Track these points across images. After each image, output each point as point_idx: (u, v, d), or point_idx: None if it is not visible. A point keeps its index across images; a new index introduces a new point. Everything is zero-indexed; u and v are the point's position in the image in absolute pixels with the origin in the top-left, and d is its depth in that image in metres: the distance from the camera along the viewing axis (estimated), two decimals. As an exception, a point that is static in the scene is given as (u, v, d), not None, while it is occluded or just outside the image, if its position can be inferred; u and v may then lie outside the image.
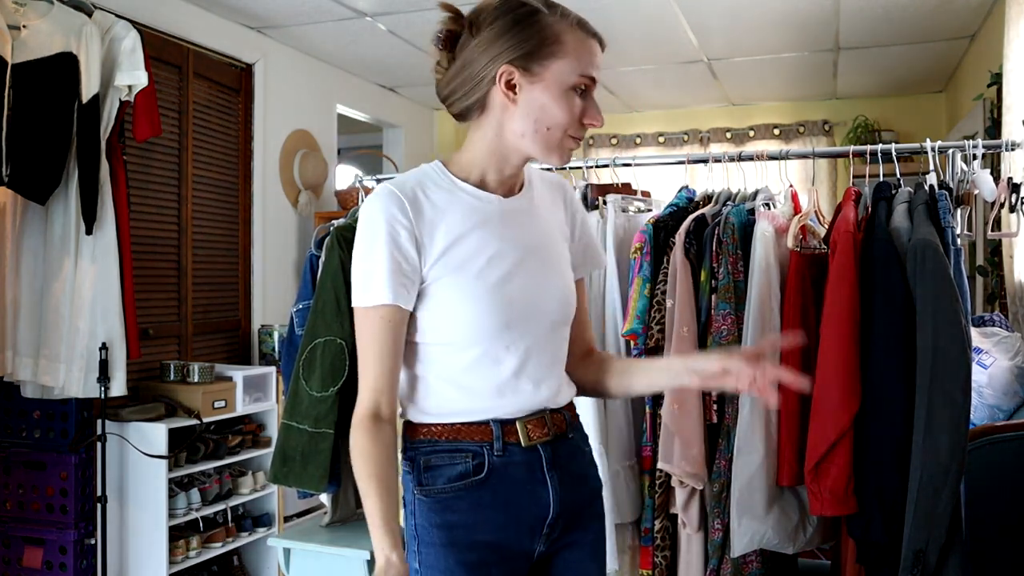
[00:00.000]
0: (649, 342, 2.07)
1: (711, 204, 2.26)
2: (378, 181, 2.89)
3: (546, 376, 1.33)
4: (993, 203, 2.11)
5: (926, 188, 2.00)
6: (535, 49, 1.25)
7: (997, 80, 3.34)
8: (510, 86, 1.26)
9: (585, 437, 1.43)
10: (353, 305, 1.26)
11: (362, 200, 2.79)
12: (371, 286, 1.23)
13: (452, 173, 1.32)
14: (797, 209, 2.24)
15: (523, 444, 1.29)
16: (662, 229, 2.15)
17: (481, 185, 1.32)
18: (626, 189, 2.49)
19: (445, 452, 1.27)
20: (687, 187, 2.37)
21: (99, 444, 2.93)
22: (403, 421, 1.31)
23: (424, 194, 1.28)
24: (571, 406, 1.40)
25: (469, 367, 1.28)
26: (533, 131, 1.27)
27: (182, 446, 3.13)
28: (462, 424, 1.28)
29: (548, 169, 1.82)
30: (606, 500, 2.02)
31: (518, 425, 1.29)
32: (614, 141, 5.96)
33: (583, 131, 1.31)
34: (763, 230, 2.01)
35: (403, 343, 1.27)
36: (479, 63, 1.26)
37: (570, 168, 2.49)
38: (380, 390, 1.24)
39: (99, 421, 2.92)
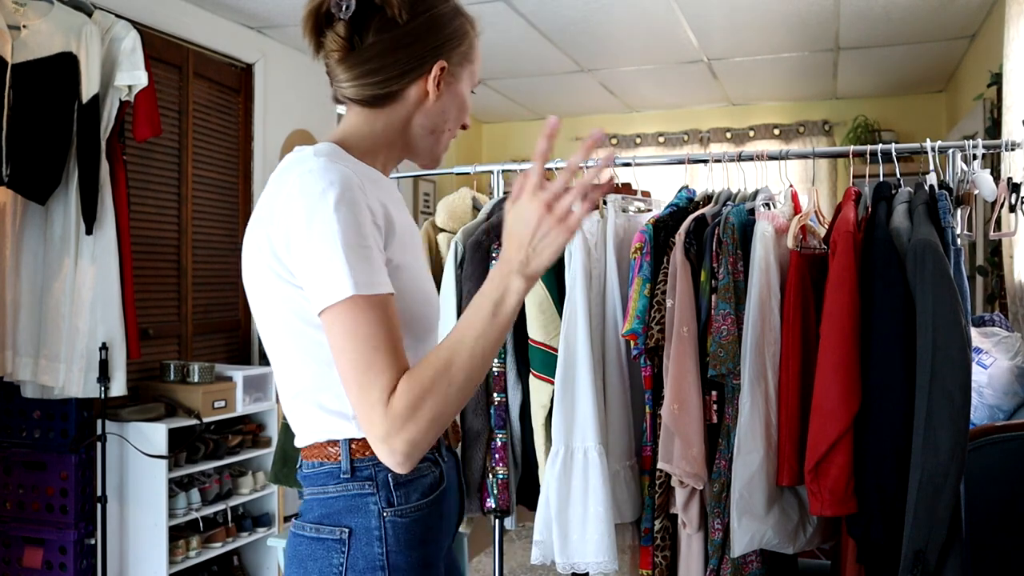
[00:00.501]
0: (649, 342, 2.07)
1: (711, 204, 2.26)
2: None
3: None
4: (993, 203, 2.11)
5: (926, 188, 1.99)
6: (463, 50, 1.22)
7: (997, 80, 3.34)
8: (437, 82, 1.19)
9: None
10: (338, 298, 1.00)
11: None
12: (375, 271, 1.03)
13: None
14: (797, 209, 2.24)
15: (452, 445, 1.25)
16: (662, 229, 2.15)
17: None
18: (626, 189, 2.49)
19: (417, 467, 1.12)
20: (687, 187, 2.37)
21: (99, 444, 2.93)
22: (342, 440, 1.10)
23: (354, 170, 1.10)
24: None
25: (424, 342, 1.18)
26: (433, 129, 1.23)
27: (182, 446, 3.13)
28: None
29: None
30: (607, 500, 2.03)
31: (448, 427, 1.21)
32: (614, 141, 5.97)
33: (456, 134, 1.30)
34: (763, 230, 2.01)
35: None
36: (409, 53, 1.15)
37: (570, 168, 2.49)
38: (401, 368, 1.02)
39: (99, 421, 2.92)
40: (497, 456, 2.22)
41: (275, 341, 1.12)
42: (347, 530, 1.10)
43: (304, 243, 1.02)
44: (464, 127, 1.29)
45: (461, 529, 2.04)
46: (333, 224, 1.01)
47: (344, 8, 1.13)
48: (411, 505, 1.12)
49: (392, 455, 1.00)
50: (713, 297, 2.03)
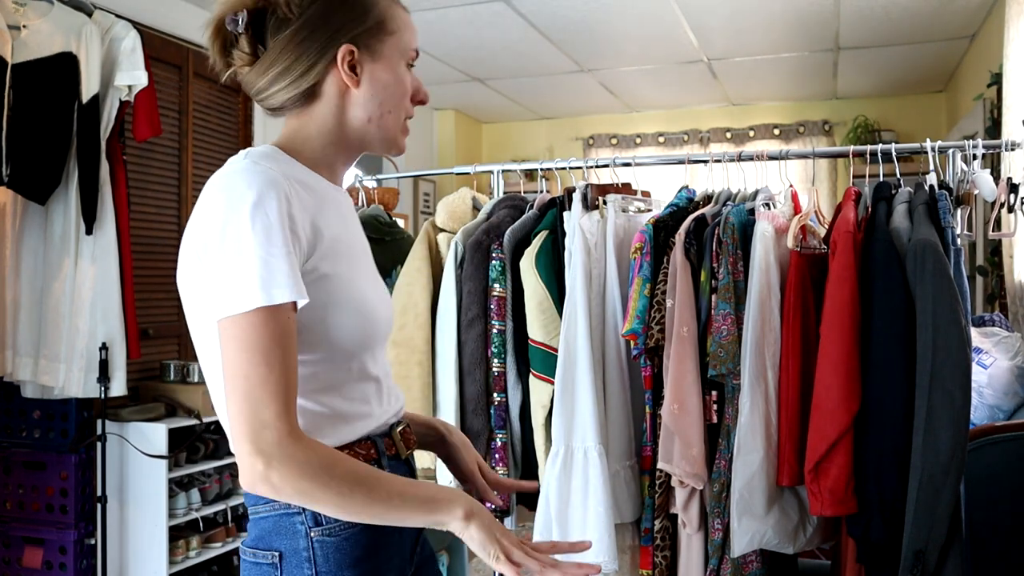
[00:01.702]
0: (649, 342, 2.07)
1: (711, 204, 2.26)
2: (378, 182, 2.89)
3: (392, 381, 1.23)
4: (993, 203, 2.11)
5: (926, 188, 1.99)
6: (373, 25, 1.15)
7: (997, 80, 3.34)
8: (352, 67, 1.13)
9: None
10: (241, 309, 0.96)
11: (362, 201, 2.78)
12: (274, 279, 0.97)
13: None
14: (797, 209, 2.24)
15: (401, 456, 1.18)
16: (662, 229, 2.15)
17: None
18: (626, 189, 2.49)
19: None
20: (687, 187, 2.37)
21: (99, 444, 2.93)
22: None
23: (285, 174, 1.06)
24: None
25: (344, 381, 1.10)
26: (379, 116, 1.16)
27: (182, 446, 3.13)
28: (345, 445, 1.09)
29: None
30: (607, 500, 2.03)
31: (394, 435, 1.17)
32: (614, 141, 5.97)
33: (413, 111, 1.22)
34: (763, 230, 2.01)
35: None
36: (308, 46, 1.11)
37: (570, 168, 2.50)
38: (291, 396, 0.98)
39: (99, 421, 2.92)
40: (497, 456, 2.22)
41: (201, 350, 1.09)
42: (277, 554, 1.06)
43: (216, 248, 0.99)
44: (421, 102, 1.22)
45: None
46: (247, 230, 0.97)
47: (238, 23, 1.11)
48: (339, 523, 1.06)
49: (264, 481, 0.96)
50: (713, 297, 2.03)
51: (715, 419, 2.04)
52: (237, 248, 0.97)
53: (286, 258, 0.98)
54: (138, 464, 3.03)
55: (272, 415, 0.95)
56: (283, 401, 0.96)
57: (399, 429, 1.19)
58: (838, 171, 5.43)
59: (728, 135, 5.73)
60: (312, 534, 1.06)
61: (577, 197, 2.26)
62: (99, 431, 2.92)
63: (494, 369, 2.22)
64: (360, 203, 2.77)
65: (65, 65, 2.75)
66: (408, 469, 1.20)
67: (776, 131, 5.63)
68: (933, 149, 2.10)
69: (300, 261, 1.02)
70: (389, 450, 1.16)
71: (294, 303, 1.00)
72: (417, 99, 1.22)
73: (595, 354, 2.10)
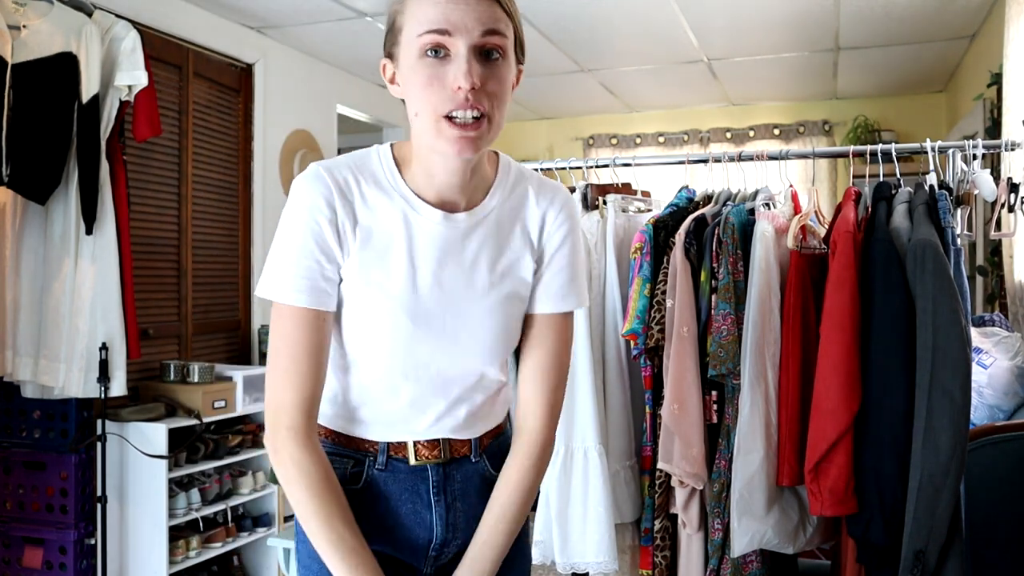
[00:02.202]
0: (649, 342, 2.07)
1: (711, 204, 2.26)
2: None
3: (449, 412, 1.18)
4: (993, 203, 2.11)
5: (926, 188, 1.99)
6: (391, 30, 1.12)
7: (997, 80, 3.34)
8: (392, 80, 1.13)
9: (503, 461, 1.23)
10: (262, 294, 1.11)
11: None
12: (284, 284, 1.08)
13: (398, 167, 1.14)
14: (797, 209, 2.24)
15: (411, 463, 1.18)
16: (662, 229, 2.15)
17: (420, 188, 1.13)
18: (626, 189, 2.49)
19: (327, 453, 1.15)
20: (687, 187, 2.37)
21: (99, 444, 2.93)
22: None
23: (358, 183, 1.11)
24: (487, 433, 1.24)
25: (365, 387, 1.16)
26: (414, 119, 1.09)
27: (182, 446, 3.13)
28: (347, 435, 1.19)
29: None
30: (607, 500, 2.03)
31: (408, 445, 1.18)
32: (614, 141, 5.97)
33: (456, 104, 1.04)
34: (763, 230, 2.01)
35: (326, 343, 1.12)
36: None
37: (570, 168, 2.50)
38: (306, 395, 1.09)
39: (99, 421, 2.92)
40: (497, 456, 2.22)
41: None
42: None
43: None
44: (458, 89, 1.03)
45: None
46: (282, 228, 1.11)
47: None
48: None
49: (269, 449, 1.12)
50: (713, 297, 2.03)
51: (715, 419, 2.04)
52: (275, 242, 1.11)
53: (303, 264, 1.09)
54: (138, 464, 3.03)
55: (285, 398, 1.10)
56: (296, 385, 1.09)
57: (426, 441, 1.19)
58: (838, 171, 5.43)
59: (728, 135, 5.73)
60: None
61: (577, 197, 2.26)
62: (99, 431, 2.92)
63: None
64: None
65: (65, 65, 2.75)
66: (411, 476, 1.19)
67: (776, 131, 5.62)
68: (933, 149, 2.10)
69: (336, 264, 1.11)
70: (396, 452, 1.19)
71: (313, 309, 1.10)
72: (437, 89, 1.05)
73: (595, 354, 2.10)
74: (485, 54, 1.06)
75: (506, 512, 1.19)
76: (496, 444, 1.25)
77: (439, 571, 1.24)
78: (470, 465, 1.22)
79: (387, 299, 1.12)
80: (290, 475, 1.09)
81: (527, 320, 1.22)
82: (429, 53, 1.05)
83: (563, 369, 1.23)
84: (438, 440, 1.19)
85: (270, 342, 1.12)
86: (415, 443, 1.18)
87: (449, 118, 1.05)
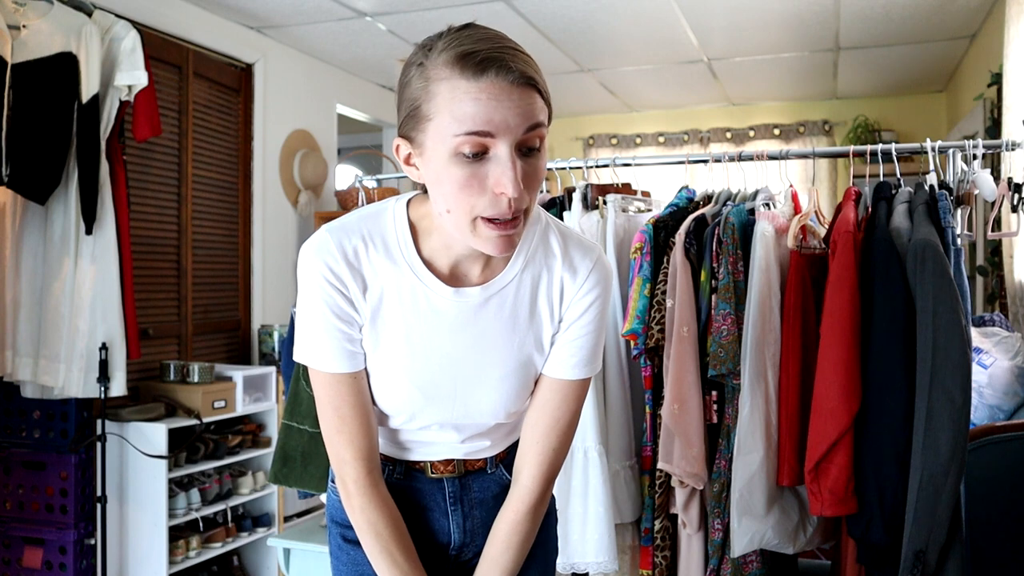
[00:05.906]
0: (649, 342, 2.07)
1: (711, 204, 2.26)
2: (379, 182, 2.89)
3: (465, 443, 1.21)
4: (993, 203, 2.11)
5: (926, 188, 1.99)
6: (412, 112, 1.00)
7: (997, 80, 3.34)
8: (408, 162, 1.04)
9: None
10: (300, 360, 1.14)
11: (362, 201, 2.78)
12: (316, 354, 1.11)
13: (413, 232, 1.09)
14: (797, 209, 2.24)
15: (428, 475, 1.23)
16: (662, 229, 2.15)
17: (433, 258, 1.10)
18: (626, 189, 2.49)
19: None
20: (687, 187, 2.37)
21: (99, 444, 2.93)
22: None
23: (366, 250, 1.08)
24: (504, 449, 1.27)
25: (382, 428, 1.20)
26: (443, 212, 1.01)
27: (182, 446, 3.13)
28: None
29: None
30: (607, 500, 2.03)
31: (425, 464, 1.23)
32: (614, 141, 5.97)
33: (498, 210, 0.97)
34: (763, 230, 2.01)
35: (367, 395, 1.14)
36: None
37: (570, 168, 2.49)
38: (363, 447, 1.13)
39: (99, 421, 2.92)
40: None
41: None
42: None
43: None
44: (497, 193, 0.97)
45: None
46: (301, 298, 1.11)
47: None
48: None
49: (346, 506, 1.18)
50: (713, 297, 2.03)
51: (715, 419, 2.04)
52: (299, 309, 1.13)
53: (331, 334, 1.10)
54: (138, 464, 3.03)
55: (346, 455, 1.13)
56: (353, 443, 1.13)
57: (440, 461, 1.23)
58: (838, 171, 5.43)
59: (728, 135, 5.73)
60: (331, 481, 1.28)
61: (577, 197, 2.26)
62: (99, 431, 2.92)
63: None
64: (360, 203, 2.77)
65: (65, 65, 2.75)
66: (428, 486, 1.24)
67: (776, 131, 5.63)
68: (933, 149, 2.10)
69: (355, 324, 1.11)
70: (414, 466, 1.24)
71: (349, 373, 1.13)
72: (496, 192, 0.97)
73: (595, 354, 2.10)
74: (526, 152, 0.99)
75: (498, 560, 1.20)
76: (513, 453, 1.25)
77: (458, 568, 1.28)
78: (487, 476, 1.26)
79: (395, 368, 1.13)
80: (360, 527, 1.15)
81: (538, 377, 1.19)
82: (467, 154, 0.96)
83: (567, 432, 1.19)
84: (452, 460, 1.23)
85: (317, 401, 1.15)
86: (431, 463, 1.23)
87: (488, 221, 0.99)
